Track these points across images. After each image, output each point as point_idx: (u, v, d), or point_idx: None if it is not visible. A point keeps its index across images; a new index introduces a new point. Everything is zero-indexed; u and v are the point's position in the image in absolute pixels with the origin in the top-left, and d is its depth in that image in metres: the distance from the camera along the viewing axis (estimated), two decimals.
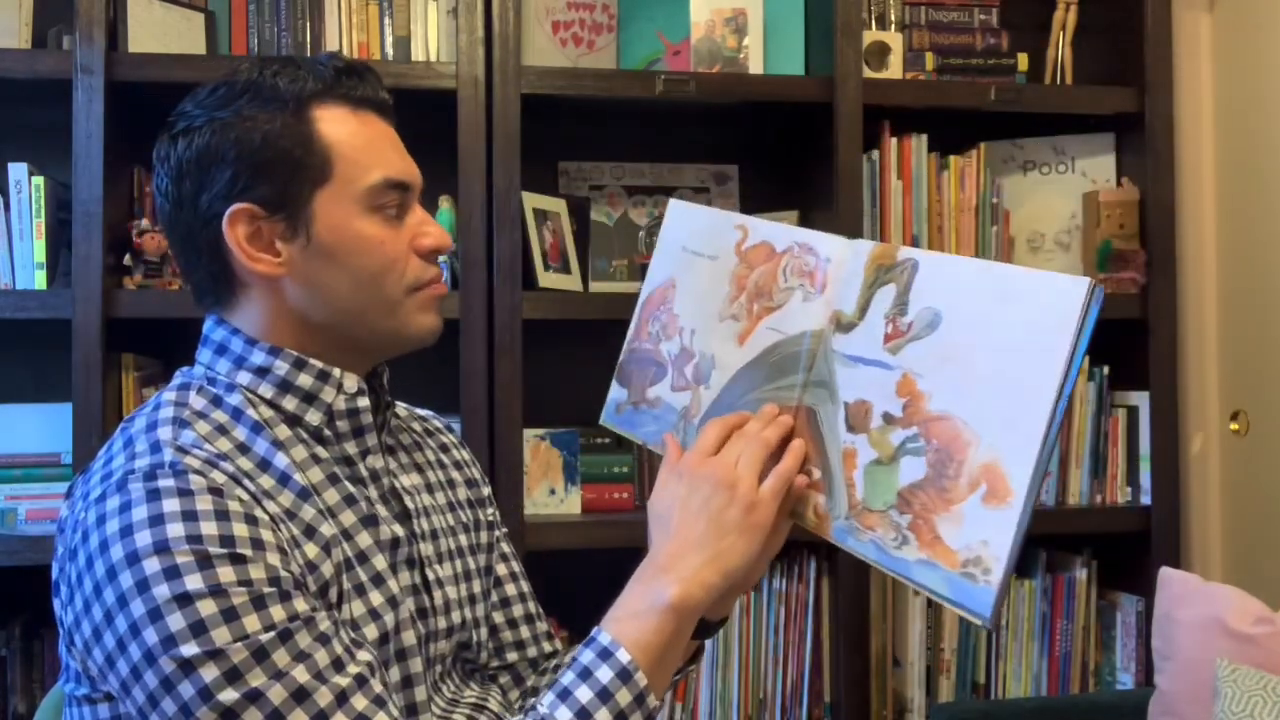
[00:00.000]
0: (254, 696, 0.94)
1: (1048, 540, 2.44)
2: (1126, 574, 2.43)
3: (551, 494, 2.26)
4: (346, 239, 1.10)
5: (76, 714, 1.07)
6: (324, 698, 0.96)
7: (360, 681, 0.98)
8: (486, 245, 2.16)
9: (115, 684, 0.98)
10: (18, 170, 2.08)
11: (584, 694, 1.01)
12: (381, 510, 1.13)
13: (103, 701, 1.04)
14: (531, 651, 1.31)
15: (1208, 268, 2.57)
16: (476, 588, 1.23)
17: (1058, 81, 2.50)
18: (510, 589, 1.31)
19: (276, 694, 0.94)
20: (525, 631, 1.31)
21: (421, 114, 2.24)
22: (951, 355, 0.99)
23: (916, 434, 1.00)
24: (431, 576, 1.16)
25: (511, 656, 1.30)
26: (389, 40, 2.26)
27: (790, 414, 1.11)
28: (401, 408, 1.30)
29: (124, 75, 2.07)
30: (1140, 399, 2.40)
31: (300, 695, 0.95)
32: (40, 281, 2.08)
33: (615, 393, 1.29)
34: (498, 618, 1.30)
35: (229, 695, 0.93)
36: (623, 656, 1.02)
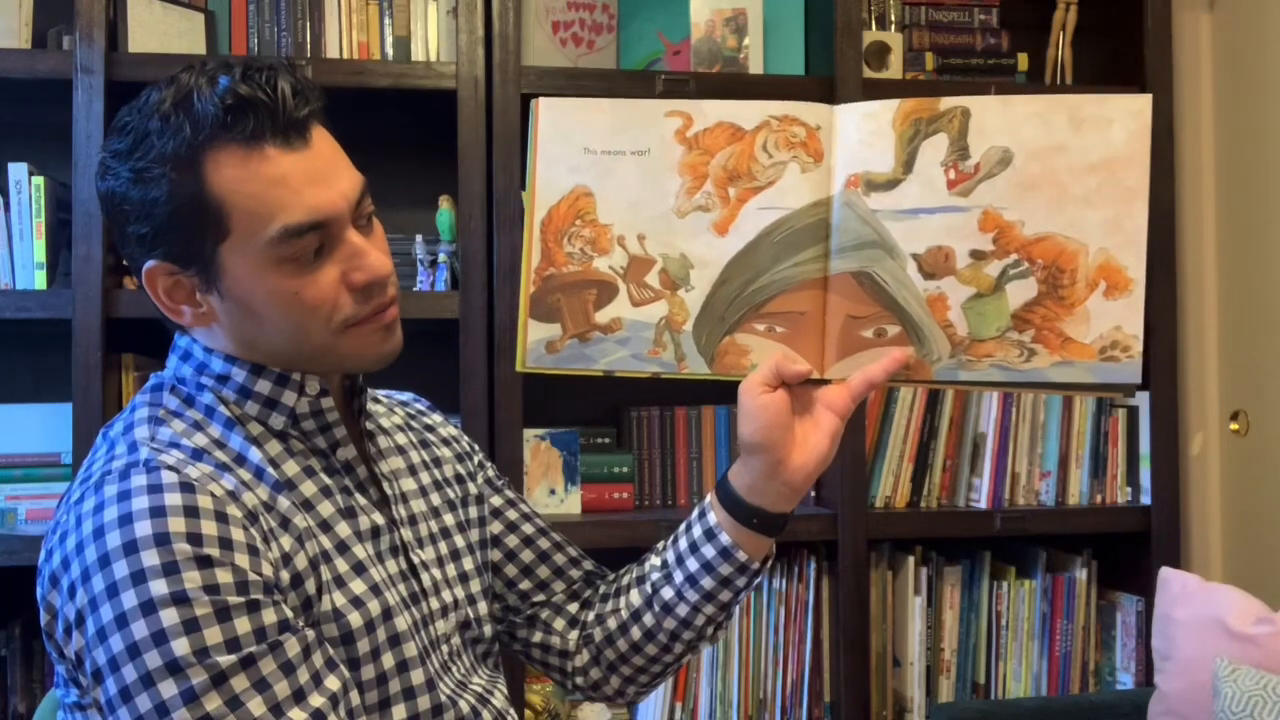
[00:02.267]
0: None
1: (1048, 540, 2.44)
2: (1126, 574, 2.43)
3: (551, 494, 2.26)
4: (257, 294, 1.05)
5: None
6: None
7: (318, 718, 0.98)
8: (486, 245, 2.16)
9: (86, 679, 0.99)
10: (18, 170, 2.08)
11: None
12: (360, 499, 1.13)
13: (93, 709, 1.03)
14: (558, 586, 1.31)
15: (1208, 268, 2.57)
16: (467, 565, 1.23)
17: (1058, 81, 2.50)
18: (511, 540, 1.31)
19: None
20: (544, 571, 1.31)
21: (421, 114, 2.26)
22: (1034, 183, 1.09)
23: (1017, 260, 1.10)
24: (416, 560, 1.16)
25: (539, 598, 1.31)
26: (389, 40, 2.25)
27: (816, 287, 1.13)
28: (380, 395, 1.30)
29: (124, 75, 2.07)
30: (1140, 399, 2.40)
31: None
32: (40, 281, 2.08)
33: (539, 331, 1.17)
34: (510, 571, 1.30)
35: (183, 716, 0.94)
36: None
